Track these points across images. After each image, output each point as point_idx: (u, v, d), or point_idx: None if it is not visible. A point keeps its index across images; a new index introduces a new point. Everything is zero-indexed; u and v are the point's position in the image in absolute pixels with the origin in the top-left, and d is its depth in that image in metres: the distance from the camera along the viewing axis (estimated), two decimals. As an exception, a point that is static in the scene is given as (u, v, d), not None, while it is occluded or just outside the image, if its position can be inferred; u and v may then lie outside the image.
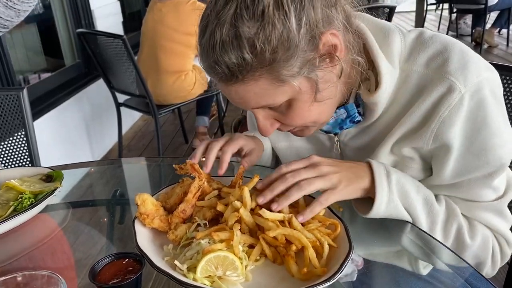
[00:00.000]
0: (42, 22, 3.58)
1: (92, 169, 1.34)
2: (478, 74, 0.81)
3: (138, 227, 0.82)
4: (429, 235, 0.86)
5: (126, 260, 0.74)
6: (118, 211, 1.10)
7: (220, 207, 0.81)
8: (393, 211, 0.85)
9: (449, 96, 0.81)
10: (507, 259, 0.94)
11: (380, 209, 0.84)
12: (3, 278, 0.56)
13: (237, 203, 0.78)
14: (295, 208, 0.81)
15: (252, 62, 0.72)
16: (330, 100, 0.83)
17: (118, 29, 4.30)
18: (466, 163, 0.85)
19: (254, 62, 0.72)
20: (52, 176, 1.04)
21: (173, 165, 0.93)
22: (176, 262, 0.72)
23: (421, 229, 0.87)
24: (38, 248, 0.97)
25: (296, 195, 0.78)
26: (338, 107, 0.91)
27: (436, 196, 0.91)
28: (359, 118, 0.92)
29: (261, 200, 0.78)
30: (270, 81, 0.74)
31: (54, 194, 0.98)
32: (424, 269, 0.84)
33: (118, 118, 3.29)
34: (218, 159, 0.97)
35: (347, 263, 0.69)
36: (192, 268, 0.71)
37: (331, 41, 0.75)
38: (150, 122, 4.38)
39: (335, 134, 1.00)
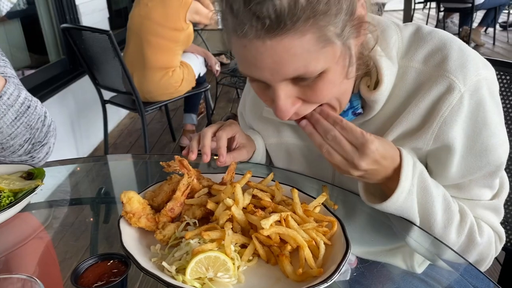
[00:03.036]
0: (26, 17, 3.49)
1: (78, 167, 1.29)
2: (477, 73, 0.79)
3: (123, 226, 0.78)
4: (426, 232, 0.84)
5: (111, 261, 0.70)
6: (103, 210, 1.06)
7: (210, 205, 0.77)
8: (407, 204, 0.82)
9: (449, 96, 0.79)
10: (497, 254, 0.94)
11: (399, 200, 0.80)
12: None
13: (229, 201, 0.74)
14: (291, 206, 0.77)
15: (305, 8, 0.63)
16: (352, 80, 0.80)
17: (104, 25, 4.22)
18: (469, 164, 0.84)
19: (307, 9, 0.63)
20: (33, 174, 0.99)
21: (160, 163, 0.89)
22: (164, 263, 0.68)
23: (418, 226, 0.85)
24: (19, 248, 0.92)
25: (318, 135, 0.77)
26: None
27: None
28: (360, 110, 0.89)
29: (304, 123, 0.78)
30: (316, 39, 0.66)
31: (35, 192, 0.93)
32: (419, 267, 0.82)
33: (103, 116, 3.22)
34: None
35: (345, 263, 0.66)
36: (181, 270, 0.67)
37: (362, 12, 0.73)
38: (137, 119, 4.32)
39: None
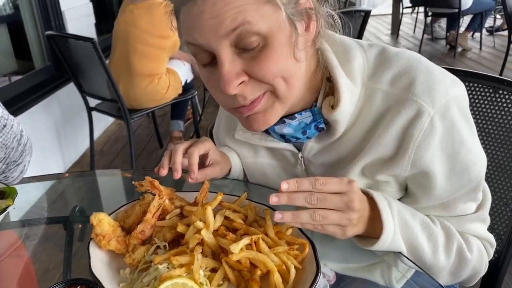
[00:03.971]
0: (12, 23, 3.45)
1: (58, 182, 1.27)
2: (445, 93, 0.79)
3: (93, 250, 0.76)
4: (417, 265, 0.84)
5: (78, 287, 0.68)
6: (78, 229, 1.04)
7: (180, 228, 0.76)
8: (395, 244, 0.81)
9: (419, 120, 0.79)
10: (490, 258, 0.94)
11: (386, 242, 0.79)
12: None
13: (199, 224, 0.73)
14: (262, 228, 0.76)
15: None
16: (303, 70, 0.79)
17: (91, 31, 4.18)
18: (452, 184, 0.84)
19: None
20: (5, 193, 0.97)
21: (133, 182, 0.88)
22: (131, 290, 0.67)
23: (409, 259, 0.84)
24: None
25: (305, 222, 0.71)
26: (303, 110, 0.87)
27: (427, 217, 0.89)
28: (323, 125, 0.88)
29: (274, 200, 0.69)
30: None
31: (6, 211, 0.91)
32: (397, 283, 0.82)
33: (89, 123, 3.19)
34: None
35: (315, 286, 0.65)
36: (149, 297, 0.66)
37: (308, 3, 0.75)
38: (124, 126, 4.27)
39: (299, 150, 0.96)
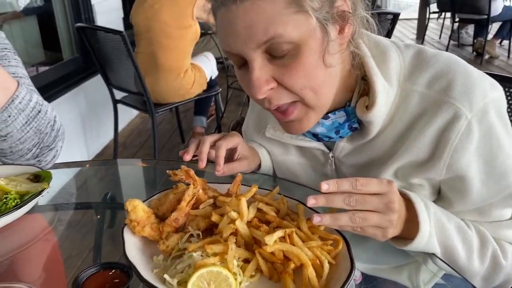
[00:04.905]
0: (42, 14, 3.53)
1: (84, 170, 1.29)
2: (483, 97, 0.78)
3: (127, 235, 0.77)
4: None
5: (113, 271, 0.69)
6: (108, 215, 1.06)
7: (214, 218, 0.76)
8: (430, 245, 0.80)
9: (456, 123, 0.78)
10: None
11: (421, 243, 0.78)
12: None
13: (233, 214, 0.74)
14: (296, 221, 0.76)
15: None
16: (334, 75, 0.79)
17: (119, 25, 4.24)
18: (488, 189, 0.82)
19: None
20: (40, 176, 1.00)
21: (167, 171, 0.88)
22: (166, 276, 0.67)
23: (443, 261, 0.83)
24: (24, 250, 0.92)
25: (344, 225, 0.69)
26: (337, 109, 0.87)
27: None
28: (356, 125, 0.88)
29: (312, 202, 0.67)
30: (288, 2, 0.69)
31: (41, 195, 0.93)
32: (425, 286, 0.81)
33: (114, 115, 3.23)
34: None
35: (349, 284, 0.65)
36: (183, 283, 0.66)
37: (344, 7, 0.74)
38: (147, 120, 4.33)
39: (329, 149, 0.96)
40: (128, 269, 0.69)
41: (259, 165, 1.08)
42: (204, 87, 3.25)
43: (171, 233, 0.78)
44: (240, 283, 0.68)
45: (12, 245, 0.91)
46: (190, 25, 2.99)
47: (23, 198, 0.92)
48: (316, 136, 0.92)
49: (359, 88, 0.86)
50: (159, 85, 3.02)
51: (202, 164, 0.90)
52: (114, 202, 1.10)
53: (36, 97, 1.10)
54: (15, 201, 0.90)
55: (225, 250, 0.69)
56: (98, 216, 1.04)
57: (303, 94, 0.76)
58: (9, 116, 1.02)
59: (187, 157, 0.93)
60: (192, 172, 0.84)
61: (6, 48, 1.18)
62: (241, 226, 0.73)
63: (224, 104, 4.20)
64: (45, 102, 1.12)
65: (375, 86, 0.81)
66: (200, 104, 3.51)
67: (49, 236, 0.98)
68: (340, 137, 0.90)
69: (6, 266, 0.85)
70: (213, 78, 3.36)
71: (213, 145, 0.95)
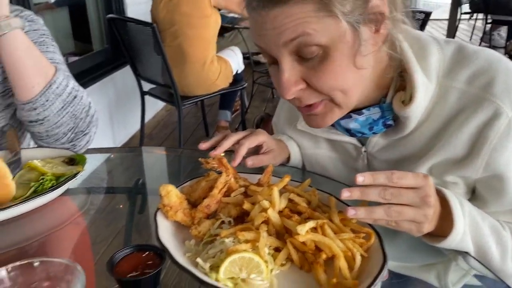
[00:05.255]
0: (74, 5, 3.60)
1: (113, 156, 1.32)
2: None
3: (160, 219, 0.79)
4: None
5: (146, 253, 0.70)
6: (138, 200, 1.07)
7: (246, 206, 0.77)
8: (463, 243, 0.78)
9: (497, 121, 0.76)
10: None
11: (455, 241, 0.76)
12: (19, 262, 0.53)
13: (265, 203, 0.74)
14: (327, 213, 0.76)
15: None
16: (365, 75, 0.78)
17: (148, 17, 4.28)
18: None
19: None
20: (75, 160, 1.02)
21: (200, 159, 0.89)
22: (198, 259, 0.68)
23: (477, 259, 0.81)
24: (56, 231, 0.95)
25: (379, 218, 0.68)
26: (372, 105, 0.86)
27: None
28: (391, 122, 0.87)
29: (346, 195, 0.66)
30: (317, 7, 0.69)
31: (76, 178, 0.96)
32: (454, 286, 0.79)
33: (142, 106, 3.28)
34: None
35: (381, 277, 0.64)
36: (215, 268, 0.67)
37: (380, 7, 0.73)
38: (173, 112, 4.39)
39: (362, 143, 0.95)
40: (161, 252, 0.70)
41: (288, 158, 1.08)
42: (230, 80, 3.27)
43: (203, 219, 0.79)
44: (271, 271, 0.68)
45: (44, 226, 0.94)
46: (210, 14, 3.04)
47: (58, 180, 0.94)
48: (348, 131, 0.91)
49: (395, 84, 0.85)
50: (185, 76, 3.05)
51: (214, 152, 0.90)
52: (144, 188, 1.12)
53: (73, 83, 1.12)
54: (51, 182, 0.93)
55: (256, 238, 0.70)
56: (129, 201, 1.06)
57: (332, 94, 0.77)
58: (47, 101, 1.05)
59: (203, 146, 0.94)
60: (224, 161, 0.84)
61: (44, 34, 1.21)
62: (273, 215, 0.73)
63: (248, 99, 4.20)
64: (81, 88, 1.15)
65: (415, 81, 0.80)
66: (225, 99, 3.53)
67: (79, 219, 1.00)
68: (374, 133, 0.90)
69: (36, 247, 0.87)
70: (239, 72, 3.38)
71: (237, 143, 0.96)
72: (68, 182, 0.94)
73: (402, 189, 0.68)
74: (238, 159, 0.92)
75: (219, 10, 3.17)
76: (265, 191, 0.77)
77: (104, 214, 0.99)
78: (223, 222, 0.78)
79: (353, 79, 0.76)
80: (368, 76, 0.79)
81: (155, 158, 1.35)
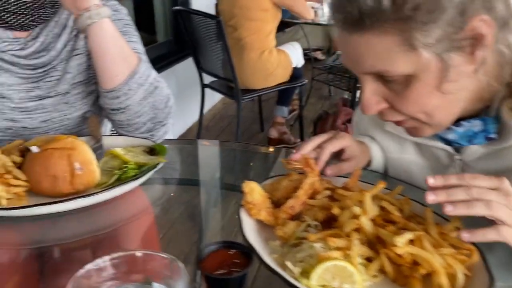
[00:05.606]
0: (139, -3, 3.69)
1: (189, 147, 1.32)
2: None
3: (244, 217, 0.77)
4: None
5: (233, 251, 0.69)
6: (213, 194, 1.07)
7: (336, 211, 0.73)
8: None
9: None
10: None
11: None
12: (123, 253, 0.53)
13: (357, 209, 0.70)
14: (423, 225, 0.71)
15: (388, 10, 0.65)
16: (454, 99, 0.73)
17: (211, 10, 4.33)
18: None
19: (390, 12, 0.65)
20: (155, 150, 1.03)
21: (281, 160, 0.87)
22: (287, 263, 0.66)
23: None
24: (132, 222, 0.96)
25: (479, 210, 0.64)
26: (472, 117, 0.80)
27: None
28: (494, 135, 0.80)
29: (431, 198, 0.64)
30: (399, 41, 0.67)
31: (156, 168, 0.96)
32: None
33: (201, 99, 3.32)
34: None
35: (489, 300, 0.59)
36: (304, 273, 0.64)
37: (480, 28, 0.66)
38: (229, 105, 4.42)
39: (457, 150, 0.88)
40: (249, 251, 0.68)
41: (368, 162, 1.03)
42: (289, 73, 3.24)
43: (287, 220, 0.76)
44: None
45: (120, 216, 0.95)
46: (268, 8, 3.07)
47: (140, 169, 0.95)
48: (444, 139, 0.86)
49: (503, 93, 0.78)
50: (243, 66, 3.06)
51: (295, 156, 0.87)
52: (222, 183, 1.11)
53: (154, 73, 1.14)
54: (134, 171, 0.94)
55: (348, 246, 0.67)
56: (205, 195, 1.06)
57: (415, 116, 0.75)
58: (130, 90, 1.07)
59: (295, 158, 0.87)
60: (311, 161, 0.82)
61: (128, 24, 1.23)
62: (366, 222, 0.69)
63: (306, 96, 4.15)
64: (162, 79, 1.16)
65: None
66: (283, 94, 3.50)
67: (149, 210, 1.01)
68: (473, 144, 0.83)
69: (111, 236, 0.89)
70: (298, 66, 3.33)
71: (319, 147, 0.91)
72: (150, 172, 0.95)
73: (485, 189, 0.64)
74: (321, 165, 0.88)
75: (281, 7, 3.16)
76: (355, 196, 0.74)
77: (178, 207, 1.00)
78: (308, 225, 0.75)
79: (438, 103, 0.73)
80: (462, 97, 0.74)
81: (227, 152, 1.34)
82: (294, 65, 3.26)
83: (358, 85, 3.28)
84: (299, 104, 3.58)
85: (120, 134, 1.15)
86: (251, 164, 1.27)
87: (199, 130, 3.43)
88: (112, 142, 1.07)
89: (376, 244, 0.69)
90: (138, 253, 0.53)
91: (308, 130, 3.65)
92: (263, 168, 1.23)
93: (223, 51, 2.89)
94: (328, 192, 0.80)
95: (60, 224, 0.88)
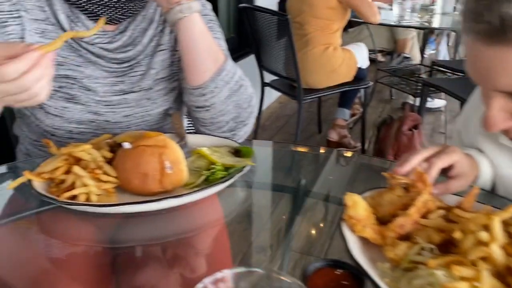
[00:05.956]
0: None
1: (269, 149, 1.28)
2: None
3: (347, 233, 0.71)
4: None
5: (341, 271, 0.63)
6: (297, 202, 1.01)
7: (458, 235, 0.65)
8: None
9: None
10: None
11: None
12: (245, 269, 0.49)
13: (484, 235, 0.62)
14: None
15: None
16: None
17: (274, 7, 4.29)
18: None
19: None
20: (240, 151, 0.99)
21: (385, 174, 0.80)
22: (406, 291, 0.59)
23: None
24: (212, 228, 0.92)
25: None
26: None
27: None
28: None
29: None
30: None
31: (244, 171, 0.92)
32: None
33: (261, 98, 3.28)
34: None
35: None
36: (425, 304, 0.57)
37: None
38: (286, 105, 4.36)
39: None
40: (359, 273, 0.62)
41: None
42: (353, 72, 3.14)
43: (396, 240, 0.69)
44: (495, 320, 0.57)
45: (200, 220, 0.92)
46: (335, 7, 3.00)
47: (228, 171, 0.91)
48: None
49: None
50: (306, 61, 2.99)
51: (399, 170, 0.79)
52: (309, 191, 1.05)
53: (240, 72, 1.10)
54: (222, 173, 0.90)
55: (476, 276, 0.59)
56: (293, 204, 1.00)
57: None
58: (216, 87, 1.03)
59: (401, 171, 0.80)
60: (425, 177, 0.74)
61: (212, 20, 1.20)
62: (496, 251, 0.61)
63: (369, 99, 4.01)
64: (246, 78, 1.11)
65: None
66: (345, 96, 3.39)
67: (225, 216, 0.97)
68: None
69: (190, 240, 0.85)
70: (363, 67, 3.22)
71: (426, 160, 0.83)
72: (238, 174, 0.91)
73: None
74: (428, 183, 0.79)
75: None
76: (479, 219, 0.65)
77: (261, 212, 0.95)
78: (422, 248, 0.67)
79: None
80: None
81: (302, 156, 1.28)
82: (359, 65, 3.15)
83: (430, 90, 3.12)
84: (362, 107, 3.46)
85: (201, 133, 1.12)
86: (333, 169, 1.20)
87: (256, 129, 3.40)
88: (197, 140, 1.04)
89: (507, 277, 0.61)
90: (260, 271, 0.48)
91: (368, 134, 3.52)
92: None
93: (286, 48, 2.83)
94: (442, 212, 0.72)
95: (132, 224, 0.86)
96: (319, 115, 3.81)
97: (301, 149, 1.31)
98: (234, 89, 1.06)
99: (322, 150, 1.31)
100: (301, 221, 0.93)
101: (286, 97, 3.71)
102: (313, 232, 0.90)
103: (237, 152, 0.99)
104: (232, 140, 1.05)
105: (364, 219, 0.72)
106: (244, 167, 0.92)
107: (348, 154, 1.31)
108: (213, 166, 0.91)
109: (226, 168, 0.92)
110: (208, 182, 0.89)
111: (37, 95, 0.73)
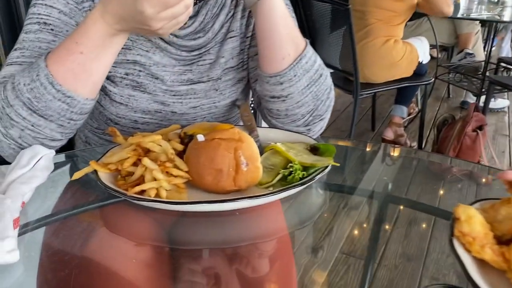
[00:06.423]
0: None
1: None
2: None
3: (462, 253, 0.60)
4: None
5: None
6: (381, 208, 0.90)
7: None
8: None
9: None
10: None
11: None
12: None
13: None
14: None
15: None
16: None
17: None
18: None
19: None
20: (319, 149, 0.89)
21: (500, 179, 0.68)
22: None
23: None
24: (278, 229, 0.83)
25: None
26: None
27: None
28: None
29: None
30: None
31: (325, 171, 0.82)
32: None
33: (313, 91, 3.16)
34: None
35: None
36: None
37: None
38: (336, 100, 4.18)
39: None
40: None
41: None
42: (414, 67, 2.97)
43: (524, 265, 0.58)
44: None
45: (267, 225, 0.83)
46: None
47: (307, 171, 0.82)
48: None
49: None
50: (365, 53, 2.86)
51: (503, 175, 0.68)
52: (393, 196, 0.94)
53: (320, 60, 1.00)
54: (302, 173, 0.81)
55: None
56: (379, 211, 0.89)
57: None
58: (295, 76, 0.94)
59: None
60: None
61: (288, 4, 1.10)
62: None
63: (428, 96, 3.80)
64: (325, 67, 1.02)
65: None
66: (404, 92, 3.21)
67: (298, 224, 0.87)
68: None
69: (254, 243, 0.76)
70: (424, 62, 3.03)
71: None
72: (319, 176, 0.81)
73: None
74: None
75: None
76: None
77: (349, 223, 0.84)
78: (561, 277, 0.56)
79: None
80: None
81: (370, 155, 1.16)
82: (420, 60, 2.97)
83: (496, 88, 2.90)
84: (421, 104, 3.26)
85: (273, 126, 1.03)
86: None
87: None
88: (269, 134, 0.95)
89: None
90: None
91: (426, 133, 3.33)
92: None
93: (344, 39, 2.70)
94: None
95: (192, 222, 0.78)
96: (373, 111, 3.64)
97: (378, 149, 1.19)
98: (314, 78, 0.97)
99: (395, 153, 1.18)
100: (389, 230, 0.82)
101: (336, 91, 3.57)
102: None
103: (314, 150, 0.89)
104: (307, 136, 0.96)
105: (481, 237, 0.60)
106: (326, 167, 0.83)
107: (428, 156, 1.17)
108: (290, 164, 0.82)
109: (305, 167, 0.83)
110: (284, 182, 0.80)
111: (178, 23, 0.79)
